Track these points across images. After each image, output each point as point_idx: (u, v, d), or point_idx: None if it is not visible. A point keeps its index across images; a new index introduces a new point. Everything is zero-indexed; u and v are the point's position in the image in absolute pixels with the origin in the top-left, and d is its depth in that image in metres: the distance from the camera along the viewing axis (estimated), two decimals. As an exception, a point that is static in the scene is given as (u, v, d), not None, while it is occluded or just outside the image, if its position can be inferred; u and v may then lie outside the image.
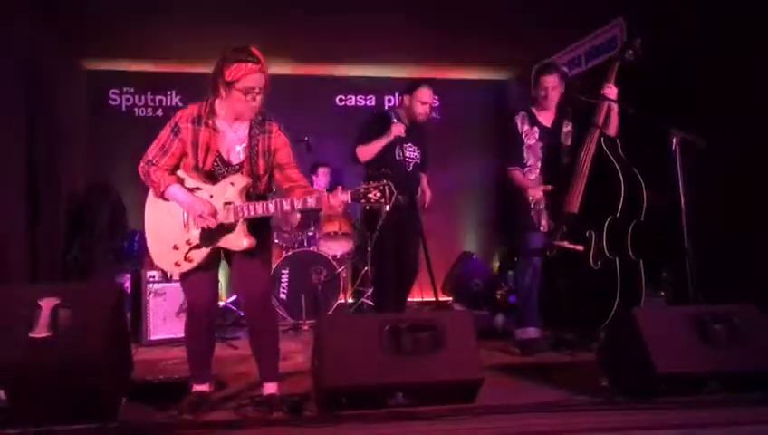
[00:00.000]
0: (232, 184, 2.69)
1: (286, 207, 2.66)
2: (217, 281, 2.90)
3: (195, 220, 2.69)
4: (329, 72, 7.48)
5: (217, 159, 2.70)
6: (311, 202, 2.64)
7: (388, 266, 4.24)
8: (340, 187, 2.65)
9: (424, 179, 4.51)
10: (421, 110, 4.25)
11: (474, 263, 6.63)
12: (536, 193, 3.91)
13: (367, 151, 4.19)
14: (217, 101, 2.70)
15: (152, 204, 2.79)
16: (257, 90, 2.61)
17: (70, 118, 6.58)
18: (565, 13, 5.56)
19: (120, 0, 5.34)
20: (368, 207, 2.76)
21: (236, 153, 2.72)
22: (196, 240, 2.70)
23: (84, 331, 2.57)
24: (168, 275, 2.66)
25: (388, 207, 2.73)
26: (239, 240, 2.70)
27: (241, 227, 2.69)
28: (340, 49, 6.72)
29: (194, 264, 2.70)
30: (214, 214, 2.66)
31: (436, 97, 4.75)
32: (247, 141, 2.71)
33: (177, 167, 2.74)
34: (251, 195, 2.72)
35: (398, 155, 4.23)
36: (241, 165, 2.72)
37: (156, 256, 2.79)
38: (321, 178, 6.32)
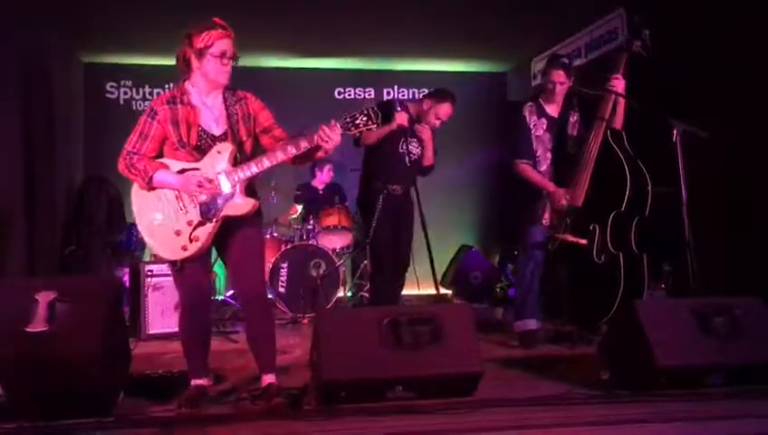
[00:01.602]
0: (219, 152, 2.69)
1: (281, 155, 2.66)
2: (210, 274, 2.87)
3: (192, 194, 2.65)
4: (328, 65, 7.45)
5: (201, 132, 2.70)
6: (303, 143, 2.65)
7: (385, 257, 4.24)
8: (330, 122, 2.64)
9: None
10: (434, 122, 4.26)
11: (473, 256, 6.61)
12: (561, 200, 3.78)
13: (370, 135, 4.16)
14: (188, 82, 2.74)
15: (140, 199, 2.74)
16: (228, 55, 2.67)
17: (67, 111, 6.55)
18: (565, 4, 5.53)
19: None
20: (358, 133, 2.73)
21: (217, 124, 2.73)
22: (197, 217, 2.67)
23: (82, 325, 2.56)
24: (178, 265, 2.62)
25: (375, 127, 2.72)
26: (241, 204, 2.69)
27: (240, 191, 2.69)
28: (339, 42, 6.69)
29: (201, 241, 2.66)
30: (210, 181, 2.64)
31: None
32: (225, 111, 2.74)
33: (159, 155, 2.72)
34: (238, 160, 2.71)
35: (402, 148, 4.21)
36: (224, 134, 2.73)
37: (160, 249, 2.73)
38: (326, 174, 6.30)
